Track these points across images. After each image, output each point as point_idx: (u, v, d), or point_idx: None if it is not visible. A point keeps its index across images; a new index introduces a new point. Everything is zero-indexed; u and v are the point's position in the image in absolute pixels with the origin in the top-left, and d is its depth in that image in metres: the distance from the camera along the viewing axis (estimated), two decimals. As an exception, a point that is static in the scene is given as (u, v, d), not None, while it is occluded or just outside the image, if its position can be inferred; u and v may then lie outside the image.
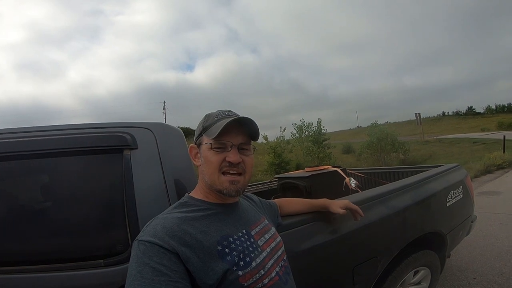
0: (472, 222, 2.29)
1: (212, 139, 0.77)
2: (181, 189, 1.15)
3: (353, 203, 1.43)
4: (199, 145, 0.84)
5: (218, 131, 0.74)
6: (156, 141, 1.20)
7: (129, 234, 1.05)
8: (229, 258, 0.71)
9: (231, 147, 0.78)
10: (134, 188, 1.09)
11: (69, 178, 1.14)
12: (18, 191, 1.14)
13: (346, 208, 1.25)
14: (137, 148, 1.16)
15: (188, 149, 0.88)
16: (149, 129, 1.22)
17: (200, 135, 0.83)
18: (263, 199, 1.13)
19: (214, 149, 0.78)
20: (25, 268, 1.01)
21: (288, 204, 1.29)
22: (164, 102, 37.98)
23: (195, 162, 0.86)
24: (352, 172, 3.31)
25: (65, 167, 1.13)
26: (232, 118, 0.77)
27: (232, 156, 0.77)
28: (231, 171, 0.78)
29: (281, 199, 1.30)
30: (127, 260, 1.01)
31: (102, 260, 1.02)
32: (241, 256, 0.73)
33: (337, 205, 1.25)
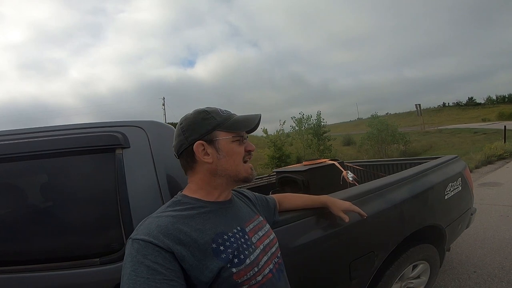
0: (471, 214, 2.28)
1: (234, 131, 0.81)
2: (174, 187, 1.15)
3: (350, 197, 1.44)
4: (209, 141, 0.80)
5: (253, 125, 0.83)
6: (148, 139, 1.20)
7: (123, 232, 1.05)
8: (223, 255, 0.72)
9: (245, 138, 0.85)
10: (127, 187, 1.09)
11: (62, 178, 1.15)
12: (13, 192, 1.14)
13: (348, 211, 1.25)
14: (129, 147, 1.16)
15: (194, 148, 0.80)
16: (141, 128, 1.22)
17: (213, 130, 0.79)
18: (259, 194, 1.12)
19: (237, 141, 0.82)
20: (21, 268, 1.02)
21: (288, 200, 1.28)
22: (163, 98, 37.80)
23: (204, 160, 0.80)
24: (349, 165, 3.30)
25: (58, 168, 1.13)
26: (256, 115, 0.85)
27: (250, 145, 0.85)
28: (247, 159, 0.85)
29: (280, 195, 1.30)
30: (122, 258, 1.02)
31: (98, 259, 1.03)
32: (235, 253, 0.74)
33: (339, 206, 1.24)
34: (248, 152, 0.84)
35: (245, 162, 0.84)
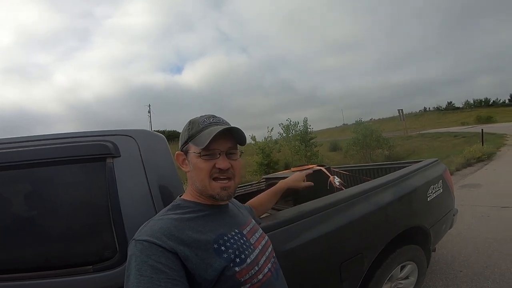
0: (454, 215, 2.36)
1: (198, 146, 0.78)
2: (166, 195, 1.16)
3: (337, 201, 1.51)
4: (186, 152, 0.85)
5: (207, 141, 0.76)
6: (139, 148, 1.20)
7: (116, 240, 1.06)
8: (225, 255, 0.74)
9: (219, 154, 0.80)
10: (118, 195, 1.10)
11: (54, 187, 1.14)
12: (4, 201, 1.12)
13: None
14: (119, 156, 1.16)
15: (175, 156, 0.89)
16: (131, 137, 1.22)
17: (186, 142, 0.84)
18: (239, 203, 1.13)
19: (203, 157, 0.79)
20: (14, 276, 1.01)
21: (258, 205, 1.34)
22: (149, 105, 37.41)
23: (183, 169, 0.88)
24: (336, 170, 3.35)
25: (50, 177, 1.13)
26: (220, 128, 0.78)
27: (222, 163, 0.79)
28: (221, 177, 0.80)
29: (250, 201, 1.34)
30: (115, 265, 1.04)
31: (91, 266, 1.04)
32: (236, 253, 0.77)
33: (299, 180, 1.49)
34: (219, 169, 0.79)
35: (214, 179, 0.80)
